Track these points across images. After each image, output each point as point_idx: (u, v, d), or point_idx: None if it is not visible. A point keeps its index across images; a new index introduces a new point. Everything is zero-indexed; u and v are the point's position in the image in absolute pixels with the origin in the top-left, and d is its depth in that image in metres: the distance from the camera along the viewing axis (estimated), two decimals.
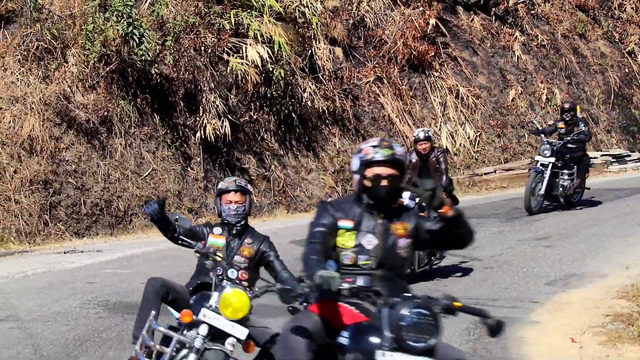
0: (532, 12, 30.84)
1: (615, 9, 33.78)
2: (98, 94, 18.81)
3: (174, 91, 20.11)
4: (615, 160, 27.81)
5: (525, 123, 27.64)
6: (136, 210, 18.50)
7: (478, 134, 26.02)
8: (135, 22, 18.64)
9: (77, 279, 13.55)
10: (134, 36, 18.67)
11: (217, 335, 6.71)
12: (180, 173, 19.55)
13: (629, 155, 28.83)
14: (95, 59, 18.71)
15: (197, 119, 20.04)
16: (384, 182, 5.92)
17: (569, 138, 18.57)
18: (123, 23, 18.58)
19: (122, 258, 15.23)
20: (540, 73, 29.31)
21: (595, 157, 27.43)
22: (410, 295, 5.49)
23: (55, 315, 11.23)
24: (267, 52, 20.77)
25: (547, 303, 12.15)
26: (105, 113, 18.75)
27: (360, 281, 5.82)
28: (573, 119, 18.84)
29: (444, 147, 24.07)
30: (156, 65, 19.62)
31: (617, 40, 32.91)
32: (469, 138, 25.70)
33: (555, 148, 18.47)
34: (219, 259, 7.29)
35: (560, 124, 19.05)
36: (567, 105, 19.29)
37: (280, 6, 21.91)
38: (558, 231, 17.17)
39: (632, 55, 32.77)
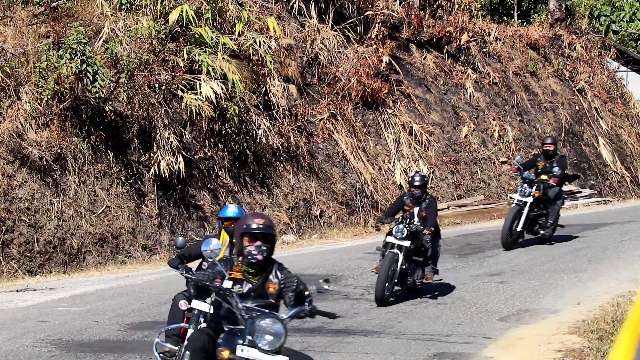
0: (484, 50, 31.20)
1: (565, 47, 34.28)
2: (51, 132, 18.72)
3: (128, 128, 20.07)
4: (566, 196, 28.07)
5: (478, 159, 27.89)
6: (90, 248, 18.39)
7: (431, 171, 26.20)
8: (89, 60, 18.61)
9: (29, 317, 13.44)
10: (88, 73, 18.64)
11: None
12: (134, 210, 19.48)
13: (580, 192, 29.16)
14: (49, 97, 18.63)
15: (151, 155, 20.00)
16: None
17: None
18: (77, 60, 18.54)
19: (75, 296, 15.12)
20: (492, 110, 29.62)
21: None
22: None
23: (6, 354, 11.12)
24: (221, 88, 20.81)
25: (500, 339, 12.23)
26: (59, 150, 18.66)
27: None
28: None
29: None
30: (110, 102, 19.58)
31: (567, 78, 33.36)
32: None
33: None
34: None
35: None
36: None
37: (234, 44, 21.99)
38: (511, 267, 17.29)
39: (582, 93, 33.23)
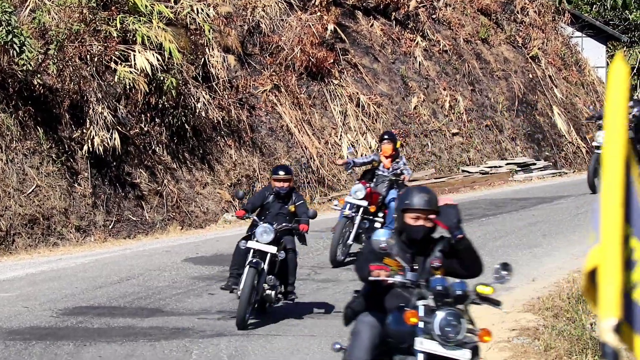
0: (434, 16, 31.26)
1: (517, 12, 34.44)
2: None
3: (59, 103, 19.85)
4: (520, 169, 28.30)
5: (428, 131, 27.99)
6: (19, 230, 18.20)
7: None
8: (15, 30, 18.33)
9: None
10: (14, 45, 18.36)
11: None
12: (66, 189, 19.30)
13: (534, 164, 29.37)
14: None
15: (84, 131, 19.81)
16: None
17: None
18: (2, 31, 18.27)
19: (4, 281, 14.97)
20: (443, 80, 29.72)
21: (500, 166, 27.90)
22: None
23: None
24: (157, 59, 20.64)
25: None
26: None
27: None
28: None
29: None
30: (39, 75, 19.35)
31: (520, 44, 33.55)
32: (370, 148, 25.89)
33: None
34: None
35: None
36: None
37: (171, 12, 21.80)
38: None
39: (536, 60, 33.44)
